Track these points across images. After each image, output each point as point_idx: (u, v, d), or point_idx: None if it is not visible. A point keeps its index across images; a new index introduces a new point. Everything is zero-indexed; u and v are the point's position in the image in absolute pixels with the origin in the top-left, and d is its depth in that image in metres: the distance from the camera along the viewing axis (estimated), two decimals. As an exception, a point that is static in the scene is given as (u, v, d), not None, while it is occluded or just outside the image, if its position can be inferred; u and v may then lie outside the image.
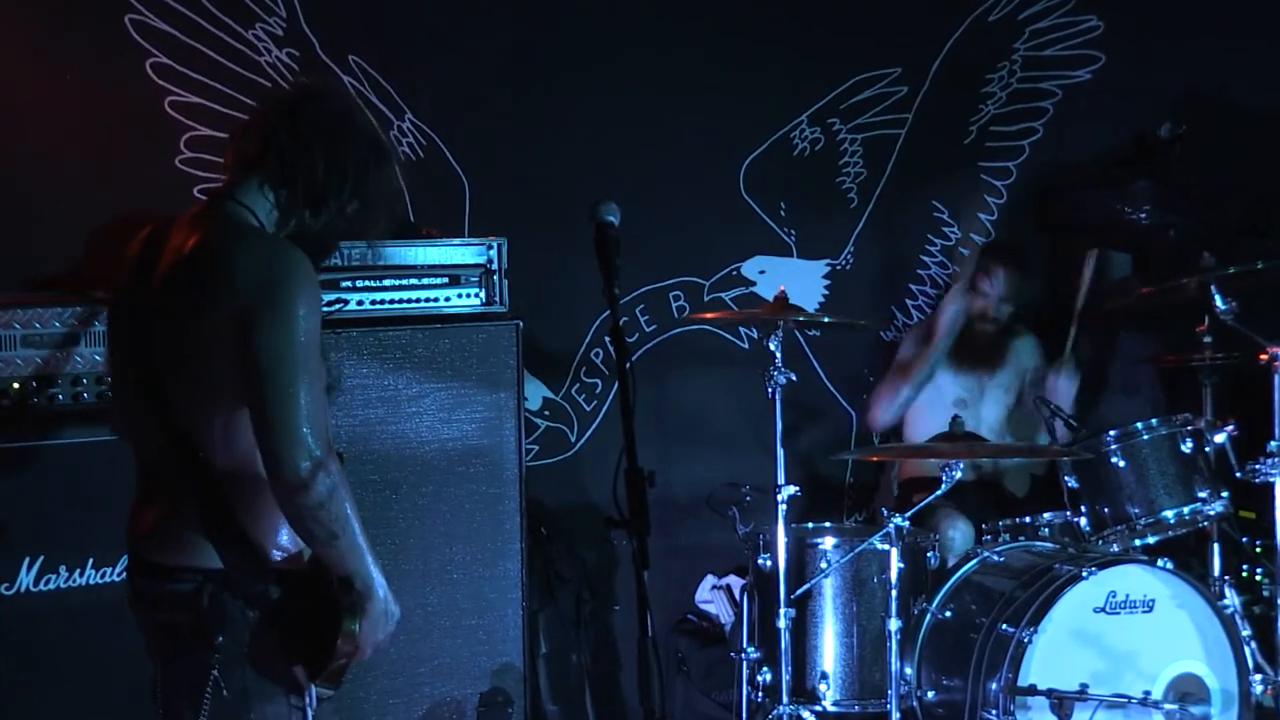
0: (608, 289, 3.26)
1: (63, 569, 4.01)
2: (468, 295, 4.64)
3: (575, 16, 5.57)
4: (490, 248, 4.66)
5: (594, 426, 5.70)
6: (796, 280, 5.80)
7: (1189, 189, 6.00)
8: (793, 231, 5.93)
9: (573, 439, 5.69)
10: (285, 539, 2.96)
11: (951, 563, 4.83)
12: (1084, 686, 4.32)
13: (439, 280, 4.61)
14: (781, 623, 4.50)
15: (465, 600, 4.51)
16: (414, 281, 4.59)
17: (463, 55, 5.44)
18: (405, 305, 4.55)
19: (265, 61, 5.16)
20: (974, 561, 4.73)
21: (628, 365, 3.20)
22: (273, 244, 2.94)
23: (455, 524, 4.50)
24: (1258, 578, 5.35)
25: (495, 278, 4.66)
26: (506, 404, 4.57)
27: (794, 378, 4.57)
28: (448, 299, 4.61)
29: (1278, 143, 6.16)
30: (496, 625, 4.55)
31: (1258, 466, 4.75)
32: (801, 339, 5.89)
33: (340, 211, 3.02)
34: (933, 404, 5.50)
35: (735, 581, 5.45)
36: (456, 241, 4.66)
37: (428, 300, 4.58)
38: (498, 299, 4.65)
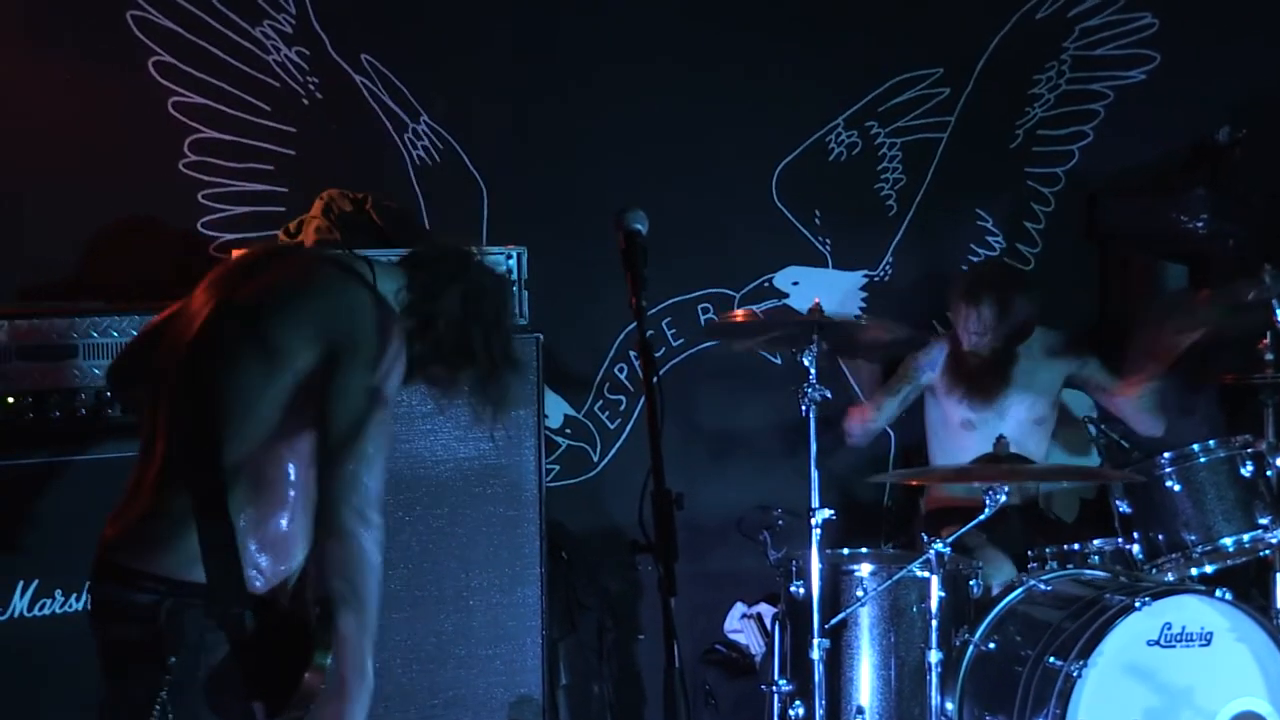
0: (634, 300, 3.25)
1: (58, 593, 4.02)
2: (485, 307, 4.64)
3: (601, 18, 5.60)
4: (510, 257, 4.67)
5: (618, 445, 5.70)
6: (832, 292, 5.80)
7: (1249, 197, 5.98)
8: (828, 241, 5.93)
9: (596, 458, 5.70)
10: (268, 568, 2.96)
11: (995, 591, 4.81)
12: (1137, 724, 4.32)
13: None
14: (815, 654, 4.49)
15: (482, 628, 4.51)
16: (429, 292, 4.59)
17: (482, 55, 5.47)
18: (420, 317, 4.55)
19: (274, 60, 5.19)
20: (1019, 590, 4.72)
21: (655, 380, 3.19)
22: (383, 301, 3.04)
23: (472, 548, 4.51)
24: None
25: (515, 288, 4.67)
26: (526, 421, 4.57)
27: (829, 395, 4.56)
28: (465, 311, 4.61)
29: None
30: (515, 655, 4.55)
31: (1322, 492, 4.73)
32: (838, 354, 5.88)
33: (437, 356, 3.14)
34: (940, 427, 5.52)
35: (766, 610, 5.44)
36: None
37: (444, 312, 4.58)
38: (517, 311, 4.66)
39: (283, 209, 5.12)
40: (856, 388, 5.91)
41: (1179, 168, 6.05)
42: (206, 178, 5.11)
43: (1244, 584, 5.20)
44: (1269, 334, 5.06)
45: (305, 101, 5.23)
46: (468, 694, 4.49)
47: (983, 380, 5.43)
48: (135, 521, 2.97)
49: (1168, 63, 6.16)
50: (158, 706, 2.85)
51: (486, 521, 4.53)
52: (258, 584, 2.93)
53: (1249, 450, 4.84)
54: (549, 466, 5.33)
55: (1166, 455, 4.86)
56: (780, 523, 4.89)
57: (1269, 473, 4.84)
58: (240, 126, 5.17)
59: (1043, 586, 4.72)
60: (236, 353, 2.95)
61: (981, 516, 4.49)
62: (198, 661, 2.88)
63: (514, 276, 4.68)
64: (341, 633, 2.84)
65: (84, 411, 4.07)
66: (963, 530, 4.56)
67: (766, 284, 5.85)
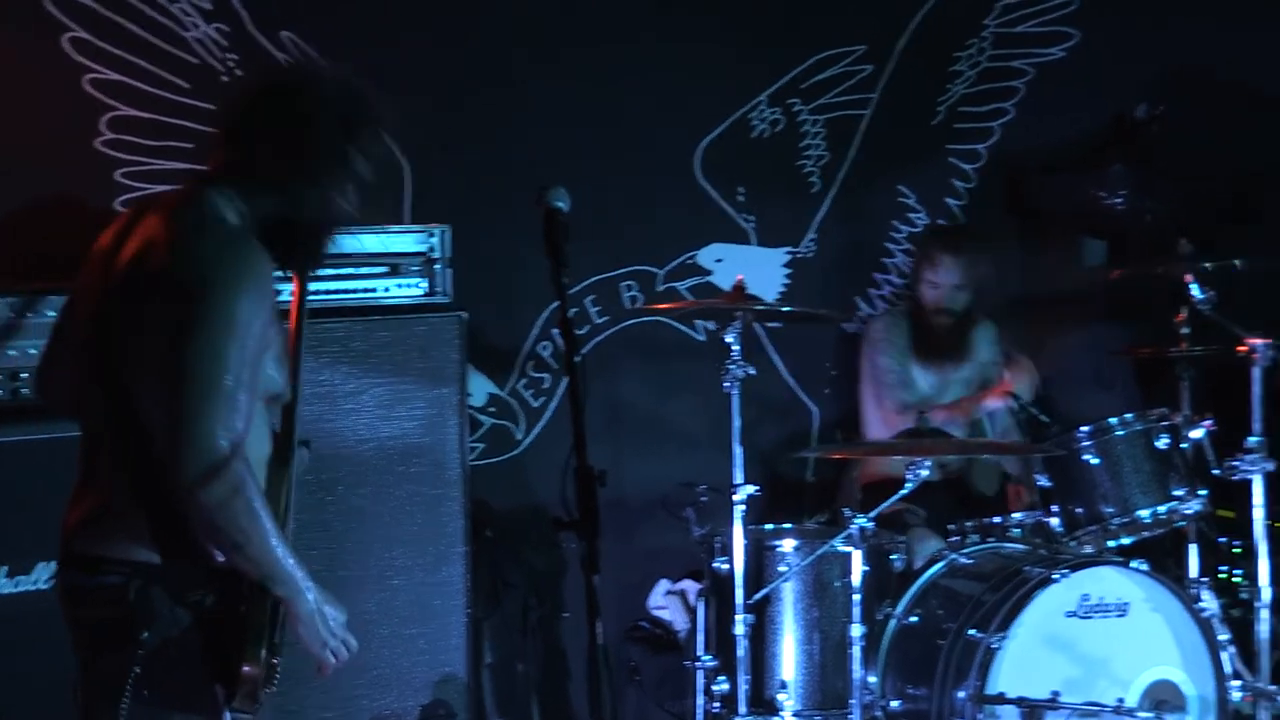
0: (556, 279, 3.30)
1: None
2: (409, 285, 4.68)
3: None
4: (432, 235, 4.69)
5: (542, 423, 5.74)
6: (755, 269, 5.85)
7: (1167, 173, 6.08)
8: (752, 218, 5.99)
9: (520, 437, 5.73)
10: None
11: (917, 565, 4.90)
12: (1055, 694, 4.38)
13: (378, 269, 4.64)
14: (739, 629, 4.53)
15: (405, 608, 4.54)
16: (351, 271, 4.62)
17: (404, 34, 5.46)
18: (341, 296, 4.58)
19: (192, 37, 5.17)
20: (941, 564, 4.80)
21: (578, 359, 3.23)
22: (225, 241, 2.97)
23: (395, 527, 4.53)
24: (1236, 579, 5.45)
25: (438, 267, 4.70)
26: (449, 400, 4.60)
27: (753, 372, 4.61)
28: (387, 289, 4.64)
29: (1260, 125, 6.24)
30: (439, 634, 4.58)
31: (1236, 463, 4.82)
32: (761, 331, 5.95)
33: (312, 196, 3.08)
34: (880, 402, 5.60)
35: (690, 586, 5.49)
36: (396, 229, 4.69)
37: (365, 291, 4.61)
38: (441, 289, 4.68)
39: (203, 187, 5.10)
40: (781, 368, 6.00)
41: (1098, 144, 6.14)
42: (125, 156, 5.08)
43: (1160, 555, 5.32)
44: (1184, 309, 5.15)
45: (225, 79, 5.21)
46: (391, 673, 4.51)
47: (946, 343, 5.59)
48: (91, 508, 2.99)
49: (1087, 40, 6.25)
50: (130, 682, 2.88)
51: (410, 500, 4.55)
52: (219, 557, 2.96)
53: (1164, 423, 4.93)
54: (473, 445, 5.36)
55: (1084, 429, 4.93)
56: (704, 499, 4.93)
57: (1184, 445, 4.93)
58: (159, 104, 5.15)
59: (964, 560, 4.80)
60: (128, 336, 2.95)
61: (904, 491, 4.56)
62: (170, 636, 2.91)
63: (437, 255, 4.71)
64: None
65: (25, 391, 4.05)
66: (885, 505, 4.63)
67: (690, 261, 5.90)
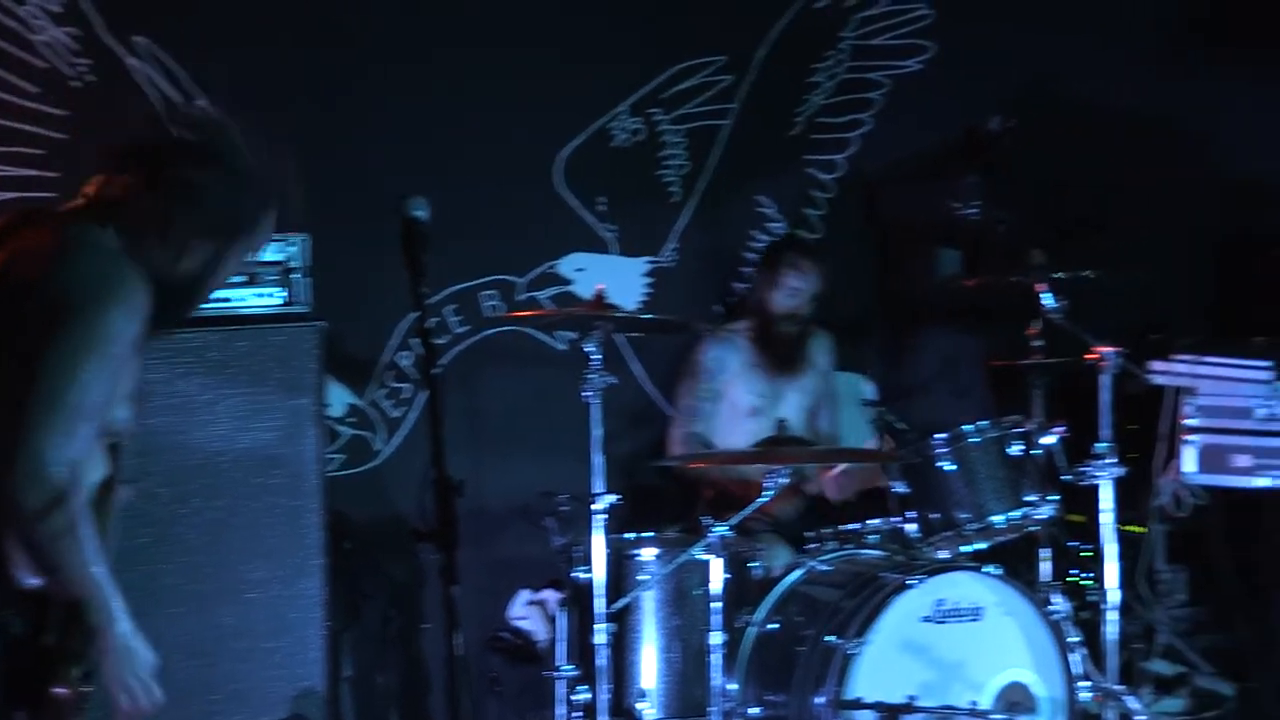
0: (415, 289, 3.30)
1: None
2: (266, 295, 4.65)
3: (384, 2, 5.60)
4: (291, 245, 4.67)
5: (402, 434, 5.72)
6: (616, 278, 5.87)
7: (1020, 184, 6.21)
8: (613, 227, 6.02)
9: (379, 447, 5.71)
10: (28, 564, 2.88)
11: (777, 573, 4.96)
12: (912, 698, 4.46)
13: (235, 279, 4.60)
14: (599, 638, 4.57)
15: (262, 621, 4.50)
16: (207, 280, 4.57)
17: (263, 41, 5.43)
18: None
19: (40, 41, 5.10)
20: (800, 571, 4.86)
21: (437, 370, 3.24)
22: (108, 260, 2.88)
23: (251, 540, 4.50)
24: (1085, 583, 5.58)
25: (296, 276, 4.67)
26: (307, 410, 4.58)
27: (613, 381, 4.64)
28: (244, 299, 4.61)
29: (1112, 138, 6.40)
30: (296, 647, 4.55)
31: (1085, 469, 4.96)
32: (622, 340, 5.98)
33: (195, 255, 2.98)
34: (727, 417, 5.62)
35: (551, 596, 5.49)
36: (253, 237, 4.64)
37: (222, 300, 4.57)
38: (299, 299, 4.66)
39: (54, 194, 5.03)
40: (642, 377, 6.03)
41: (953, 156, 6.23)
42: (-32, 164, 5.00)
43: (1015, 560, 5.43)
44: (1036, 318, 5.26)
45: (76, 84, 5.14)
46: (248, 688, 4.48)
47: (790, 351, 5.63)
48: None
49: (943, 53, 6.35)
50: None
51: (267, 512, 4.52)
52: (29, 581, 2.90)
53: (1018, 430, 5.05)
54: (331, 456, 5.33)
55: (940, 436, 5.03)
56: (565, 508, 4.94)
57: (1036, 452, 5.04)
58: (4, 109, 5.07)
59: (822, 567, 4.87)
60: None
61: (763, 499, 4.62)
62: None
63: (295, 265, 4.68)
64: None
65: None
66: (744, 513, 4.68)
67: (550, 271, 5.92)
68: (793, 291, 5.60)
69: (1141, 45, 6.45)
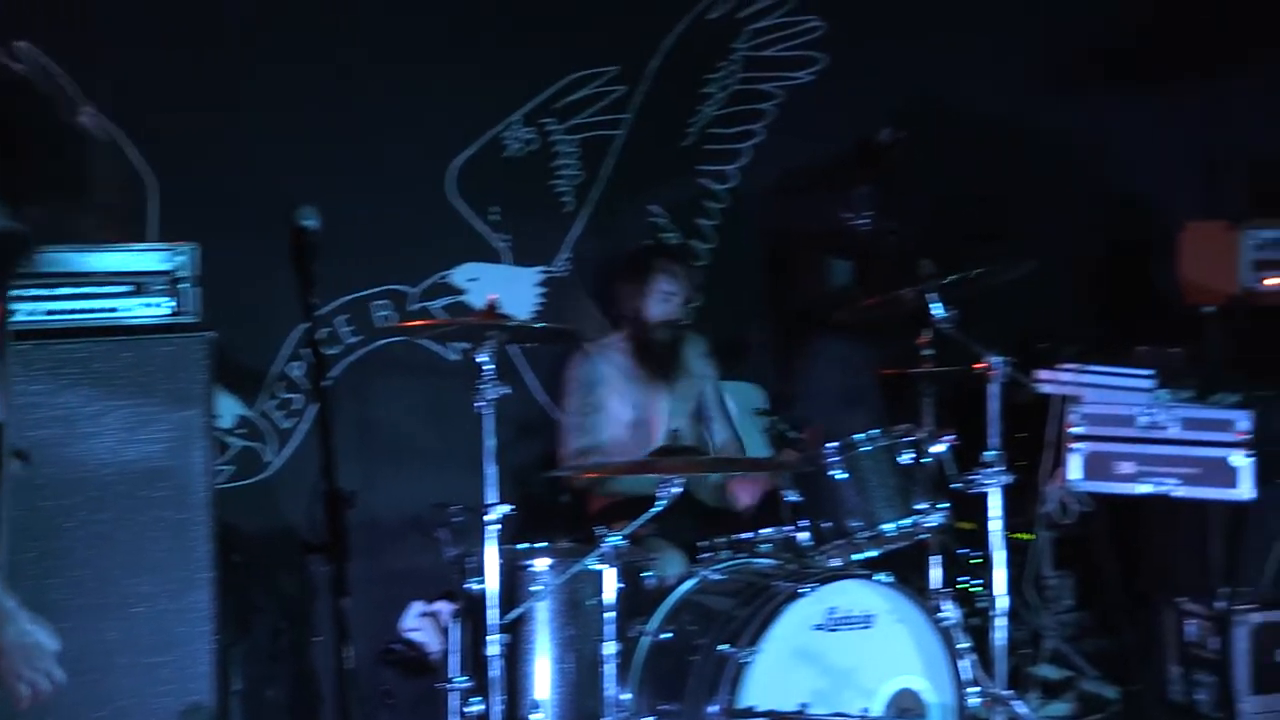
0: (304, 299, 3.29)
1: None
2: (154, 305, 4.60)
3: (276, 8, 5.57)
4: (179, 254, 4.62)
5: (293, 445, 5.67)
6: (509, 288, 5.88)
7: (911, 195, 6.28)
8: (506, 237, 6.01)
9: (269, 459, 5.66)
10: None
11: (670, 582, 4.97)
12: (804, 706, 4.50)
13: (121, 288, 4.55)
14: (492, 649, 4.56)
15: (149, 636, 4.45)
16: (92, 290, 4.52)
17: (152, 45, 5.37)
18: (83, 316, 4.48)
19: (-79, 46, 5.01)
20: (693, 580, 4.88)
21: (328, 380, 3.22)
22: None
23: (138, 553, 4.44)
24: (975, 589, 5.65)
25: (184, 286, 4.62)
26: (195, 422, 4.53)
27: (506, 391, 4.64)
28: (131, 309, 4.55)
29: (1001, 149, 6.50)
30: (185, 662, 4.50)
31: (974, 477, 5.02)
32: (515, 350, 5.98)
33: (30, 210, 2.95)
34: (607, 429, 5.63)
35: (444, 607, 5.48)
36: (140, 246, 4.61)
37: (108, 310, 4.51)
38: (187, 308, 4.61)
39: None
40: (535, 388, 6.03)
41: (844, 166, 6.29)
42: None
43: (906, 568, 5.49)
44: (927, 328, 5.32)
45: (-44, 89, 5.05)
46: (134, 704, 4.41)
47: (666, 359, 5.63)
48: None
49: (834, 65, 6.41)
50: None
51: (154, 525, 4.46)
52: None
53: (908, 439, 5.10)
54: (220, 467, 5.27)
55: (832, 445, 5.07)
56: (458, 519, 4.93)
57: (926, 460, 5.09)
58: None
59: (715, 576, 4.89)
60: None
61: (656, 508, 4.63)
62: None
63: (183, 274, 4.63)
64: None
65: None
66: (638, 522, 4.69)
67: (443, 280, 5.90)
68: (665, 296, 5.62)
69: (1028, 61, 6.56)
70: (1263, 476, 5.28)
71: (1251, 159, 6.48)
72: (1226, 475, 5.27)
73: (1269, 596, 5.49)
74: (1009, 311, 5.58)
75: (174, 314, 4.61)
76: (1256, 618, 5.44)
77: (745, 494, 5.50)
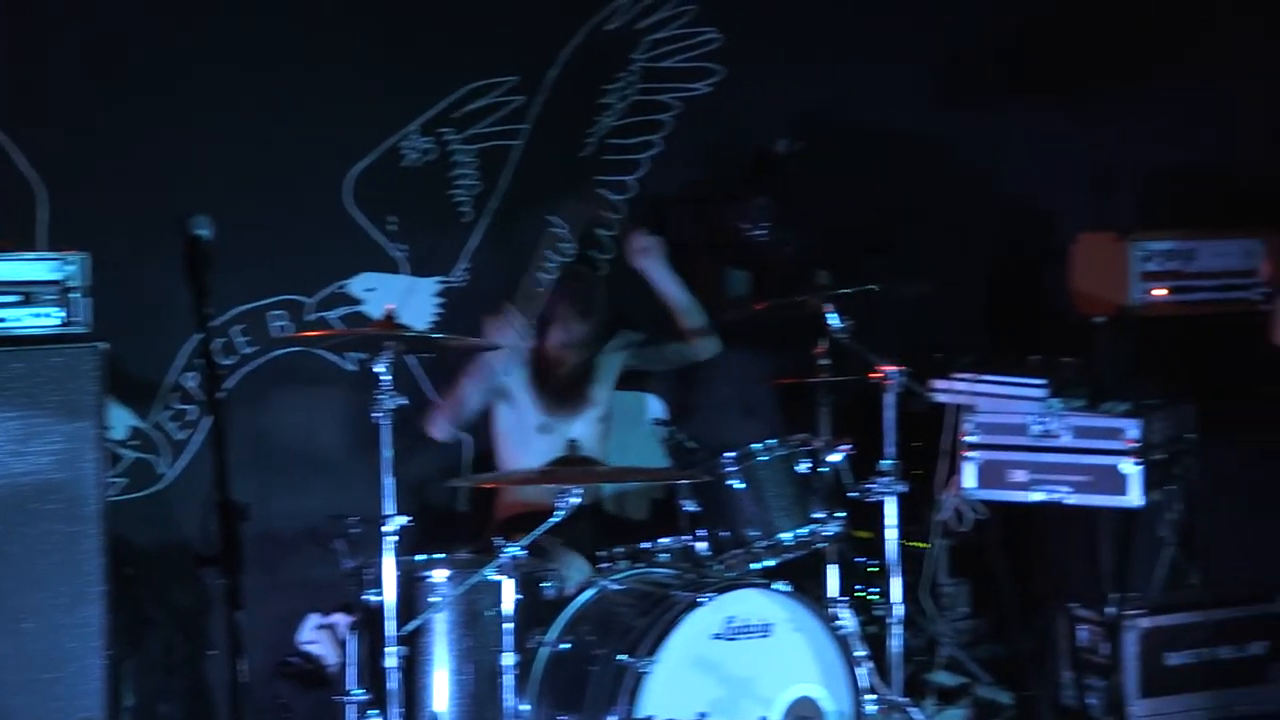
0: (198, 309, 3.26)
1: None
2: (43, 315, 4.55)
3: (171, 19, 5.52)
4: (69, 263, 4.56)
5: (187, 457, 5.62)
6: (407, 298, 5.85)
7: (807, 206, 6.32)
8: (404, 247, 5.99)
9: (163, 470, 5.60)
10: None
11: (569, 592, 4.97)
12: (702, 715, 4.52)
13: (10, 298, 4.50)
14: (390, 661, 4.54)
15: (39, 651, 4.39)
16: (-21, 300, 4.46)
17: (45, 53, 5.30)
18: (-32, 326, 4.42)
19: None
20: (592, 591, 4.88)
21: (222, 391, 3.20)
22: None
23: (28, 567, 4.39)
24: (872, 597, 5.70)
25: (75, 295, 4.57)
26: (86, 434, 4.48)
27: (404, 402, 4.62)
28: (20, 319, 4.49)
29: (896, 161, 6.56)
30: (76, 677, 4.44)
31: (870, 486, 5.08)
32: (413, 361, 5.95)
33: None
34: (515, 432, 5.62)
35: (341, 619, 5.44)
36: (29, 255, 4.55)
37: (-5, 320, 4.45)
38: (78, 319, 4.56)
39: None
40: (434, 398, 6.01)
41: (742, 177, 6.33)
42: None
43: (804, 576, 5.52)
44: (823, 337, 5.36)
45: None
46: (24, 721, 4.36)
47: (569, 388, 5.60)
48: None
49: (732, 77, 6.43)
50: None
51: (44, 539, 4.41)
52: None
53: (805, 448, 5.14)
54: (113, 480, 5.22)
55: (729, 454, 5.11)
56: (355, 531, 4.90)
57: (823, 469, 5.14)
58: None
59: (614, 586, 4.89)
60: None
61: (555, 518, 4.63)
62: None
63: (74, 284, 4.58)
64: None
65: None
66: (537, 533, 4.69)
67: (340, 290, 5.87)
68: (560, 331, 5.56)
69: (923, 74, 6.62)
70: (1151, 483, 5.38)
71: (1141, 172, 6.59)
72: (1117, 482, 5.36)
73: (1158, 602, 5.59)
74: (904, 321, 5.64)
75: (64, 324, 4.55)
76: (1145, 622, 5.54)
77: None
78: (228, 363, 5.65)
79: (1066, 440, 5.44)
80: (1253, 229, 6.01)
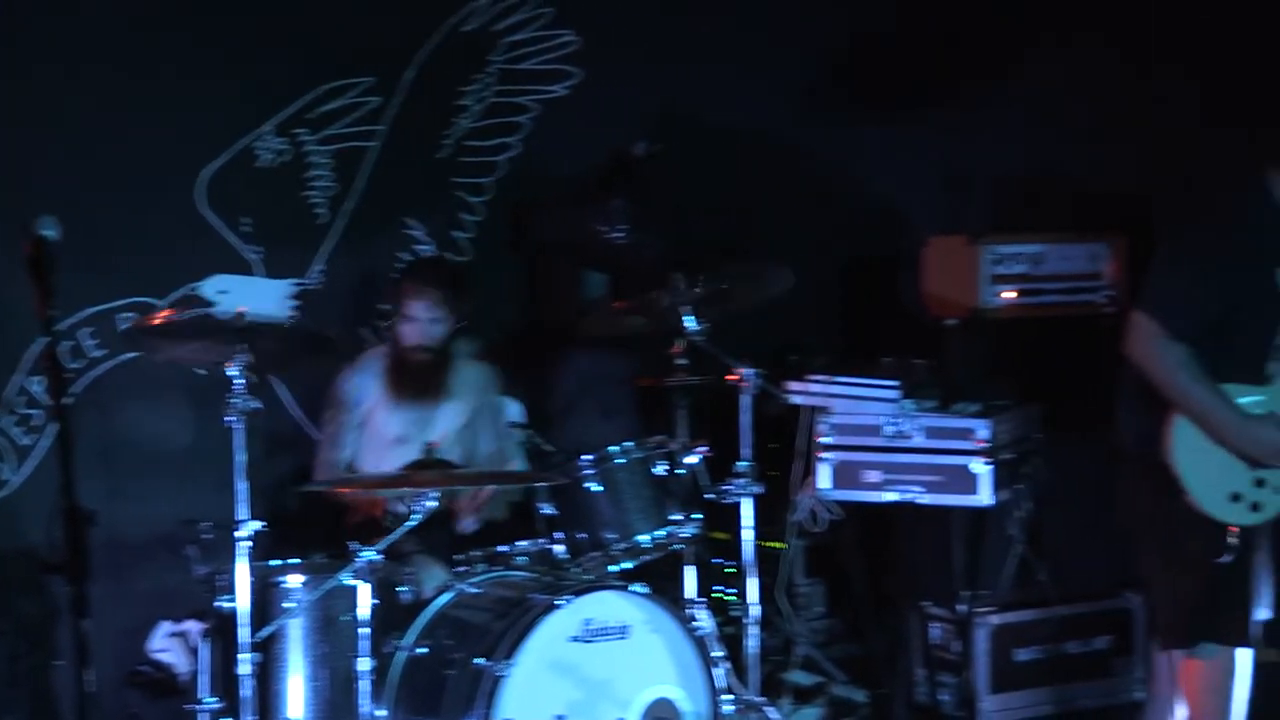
0: (43, 311, 3.20)
1: None
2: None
3: (20, 15, 5.42)
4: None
5: (33, 462, 5.52)
6: (261, 301, 5.78)
7: (665, 209, 6.36)
8: (258, 249, 5.92)
9: (7, 477, 5.51)
10: None
11: (426, 596, 4.95)
12: (560, 718, 4.52)
13: None
14: (244, 668, 4.48)
15: (-122, 663, 4.28)
16: None
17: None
18: None
19: None
20: (449, 594, 4.87)
21: (68, 396, 3.14)
22: None
23: None
24: (729, 598, 5.74)
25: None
26: (-74, 440, 4.37)
27: (257, 405, 4.56)
28: None
29: (752, 164, 6.63)
30: (-83, 689, 4.34)
31: (727, 487, 5.11)
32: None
33: None
34: (372, 445, 5.57)
35: (193, 627, 5.37)
36: None
37: None
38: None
39: None
40: (287, 401, 5.95)
41: (600, 180, 6.35)
42: None
43: (662, 578, 5.55)
44: (681, 340, 5.39)
45: None
46: None
47: (426, 381, 5.55)
48: None
49: (590, 79, 6.46)
50: None
51: (-118, 547, 4.30)
52: None
53: (662, 450, 5.17)
54: (-44, 486, 5.12)
55: (587, 457, 5.12)
56: (207, 536, 4.83)
57: (680, 471, 5.17)
58: None
59: (471, 589, 4.88)
60: None
61: (411, 522, 4.60)
62: None
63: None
64: None
65: None
66: (393, 536, 4.66)
67: (192, 292, 5.79)
68: (408, 319, 5.48)
69: (779, 78, 6.69)
70: (1001, 483, 5.48)
71: (991, 176, 6.71)
72: (967, 482, 5.45)
73: (1007, 599, 5.70)
74: (760, 323, 5.68)
75: (-96, 327, 4.44)
76: (995, 620, 5.65)
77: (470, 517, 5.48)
78: (76, 366, 5.55)
79: (919, 441, 5.53)
80: (1099, 233, 6.16)
